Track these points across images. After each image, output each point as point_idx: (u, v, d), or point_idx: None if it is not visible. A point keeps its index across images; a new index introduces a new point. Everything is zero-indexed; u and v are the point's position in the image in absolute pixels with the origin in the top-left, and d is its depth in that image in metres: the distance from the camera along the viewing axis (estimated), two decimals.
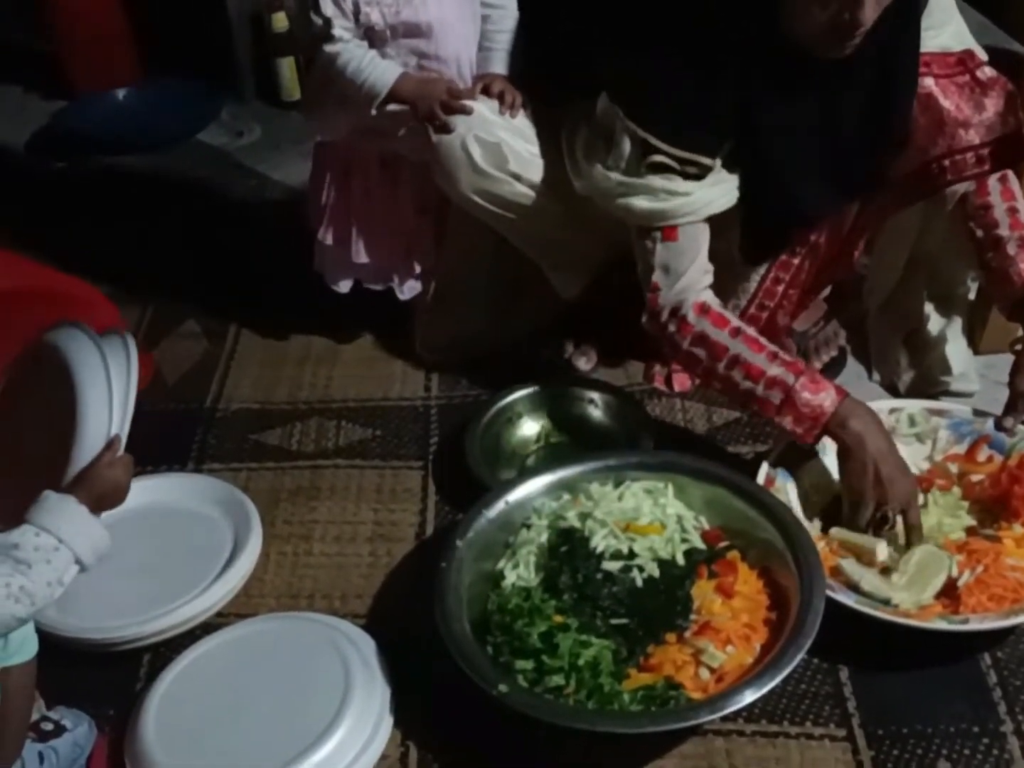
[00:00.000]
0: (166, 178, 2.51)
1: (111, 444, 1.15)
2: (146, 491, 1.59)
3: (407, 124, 1.65)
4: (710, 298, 1.49)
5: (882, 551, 1.37)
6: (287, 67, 2.77)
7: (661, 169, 1.43)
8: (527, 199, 1.61)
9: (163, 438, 1.77)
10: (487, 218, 1.64)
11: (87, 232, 2.31)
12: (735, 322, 1.45)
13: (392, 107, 1.63)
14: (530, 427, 1.69)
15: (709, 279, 1.49)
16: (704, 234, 1.49)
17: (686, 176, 1.44)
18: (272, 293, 2.07)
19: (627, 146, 1.44)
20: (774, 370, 1.41)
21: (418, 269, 1.82)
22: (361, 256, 1.79)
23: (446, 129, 1.59)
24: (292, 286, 2.06)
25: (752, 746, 1.26)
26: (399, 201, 1.77)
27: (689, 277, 1.47)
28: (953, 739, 1.24)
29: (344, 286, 1.87)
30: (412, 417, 1.76)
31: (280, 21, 2.70)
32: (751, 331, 1.45)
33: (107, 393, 1.16)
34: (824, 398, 1.39)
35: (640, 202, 1.47)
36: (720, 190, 1.46)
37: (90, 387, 1.16)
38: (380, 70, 1.61)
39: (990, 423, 1.52)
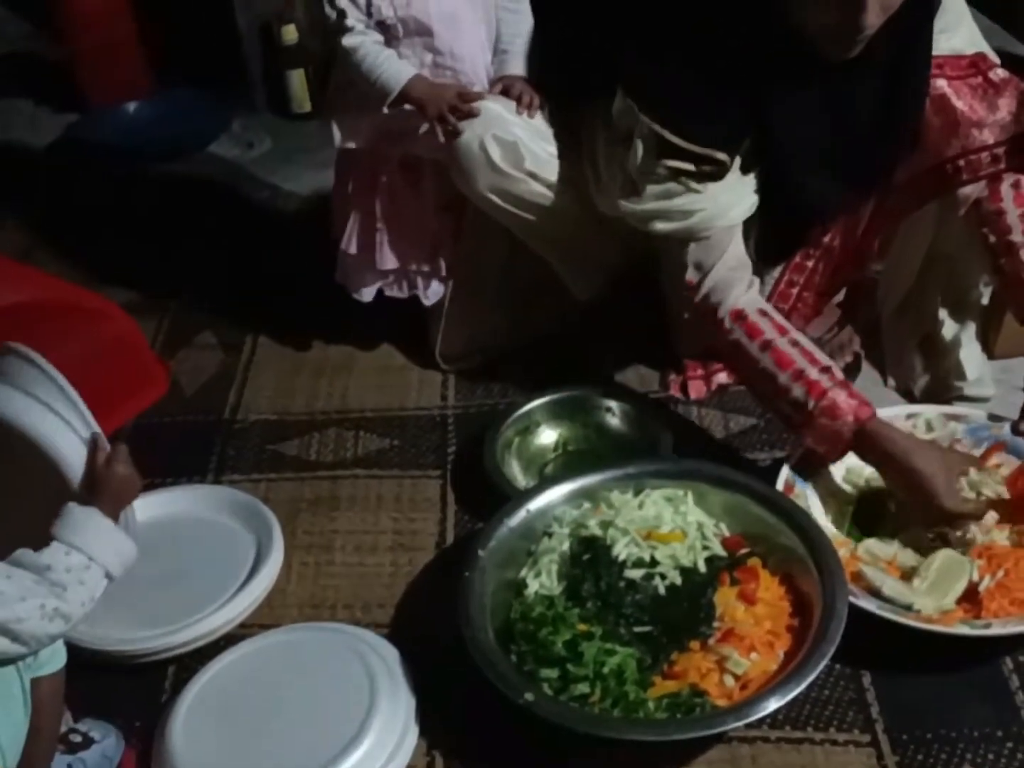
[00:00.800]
0: (179, 189, 2.53)
1: (95, 444, 1.14)
2: (168, 503, 1.60)
3: (421, 124, 1.68)
4: (748, 303, 1.49)
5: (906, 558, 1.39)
6: (297, 79, 2.78)
7: (677, 173, 1.44)
8: (543, 199, 1.63)
9: (182, 450, 1.78)
10: (503, 217, 1.65)
11: (101, 244, 2.33)
12: (769, 333, 1.46)
13: (405, 107, 1.66)
14: (548, 436, 1.70)
15: (746, 275, 1.50)
16: (731, 230, 1.50)
17: (702, 177, 1.44)
18: (287, 303, 2.09)
19: (641, 147, 1.45)
20: (796, 391, 1.42)
21: (443, 271, 1.83)
22: (387, 262, 1.81)
23: (455, 133, 1.61)
24: (307, 296, 2.07)
25: (777, 752, 1.26)
26: (423, 202, 1.78)
27: (719, 272, 1.48)
28: (977, 743, 1.25)
29: (367, 294, 1.88)
30: (430, 426, 1.77)
31: (290, 33, 2.72)
32: (784, 341, 1.45)
33: (47, 409, 1.13)
34: (841, 426, 1.40)
35: (662, 225, 1.49)
36: (737, 195, 1.47)
37: (27, 415, 1.13)
38: (394, 69, 1.65)
39: (1007, 428, 1.52)
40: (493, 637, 1.31)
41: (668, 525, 1.42)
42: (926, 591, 1.35)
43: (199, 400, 1.90)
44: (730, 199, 1.46)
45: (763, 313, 1.48)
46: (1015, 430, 1.51)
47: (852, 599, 1.31)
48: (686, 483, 1.48)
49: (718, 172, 1.45)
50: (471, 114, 1.60)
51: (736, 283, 1.50)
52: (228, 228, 2.37)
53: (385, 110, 1.67)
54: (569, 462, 1.66)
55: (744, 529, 1.44)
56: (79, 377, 1.74)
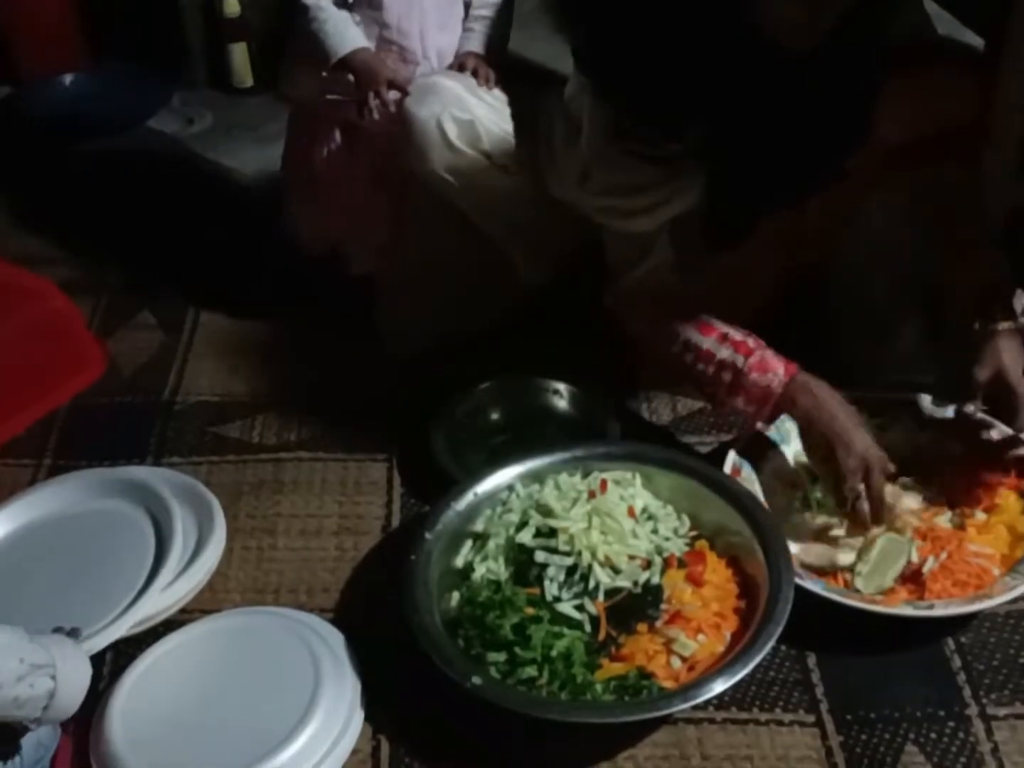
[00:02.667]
0: (117, 165, 2.46)
1: None
2: (104, 485, 1.56)
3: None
4: (666, 284, 1.49)
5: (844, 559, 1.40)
6: (239, 53, 2.72)
7: (627, 154, 1.43)
8: (498, 180, 1.61)
9: (120, 431, 1.73)
10: (456, 197, 1.63)
11: (37, 221, 2.26)
12: (689, 312, 1.46)
13: (340, 74, 1.71)
14: (495, 418, 1.69)
15: (668, 264, 1.50)
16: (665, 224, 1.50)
17: (653, 160, 1.43)
18: (229, 284, 2.04)
19: (592, 129, 1.44)
20: (723, 352, 1.44)
21: (372, 250, 1.82)
22: (323, 224, 1.81)
23: (371, 114, 1.66)
24: (250, 277, 2.04)
25: (723, 733, 1.27)
26: (354, 172, 1.77)
27: (650, 262, 1.48)
28: (920, 723, 1.26)
29: (315, 249, 1.88)
30: (376, 410, 1.74)
31: (232, 6, 2.65)
32: (704, 317, 1.46)
33: None
34: (772, 378, 1.42)
35: (607, 218, 1.50)
36: (684, 185, 1.46)
37: None
38: (342, 36, 1.68)
39: (951, 411, 1.54)
40: (440, 621, 1.30)
41: (616, 507, 1.41)
42: (867, 574, 1.37)
43: (137, 381, 1.85)
44: (677, 188, 1.45)
45: (684, 300, 1.49)
46: (958, 414, 1.53)
47: (798, 580, 1.32)
48: (634, 466, 1.47)
49: (667, 156, 1.44)
50: (384, 104, 1.65)
51: (658, 269, 1.50)
52: (168, 205, 2.32)
53: (324, 74, 1.70)
54: (517, 445, 1.64)
55: (691, 512, 1.44)
56: (14, 357, 1.72)
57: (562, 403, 1.69)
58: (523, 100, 1.67)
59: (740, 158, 1.46)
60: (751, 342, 1.45)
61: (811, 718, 1.28)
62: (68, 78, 2.76)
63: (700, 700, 1.21)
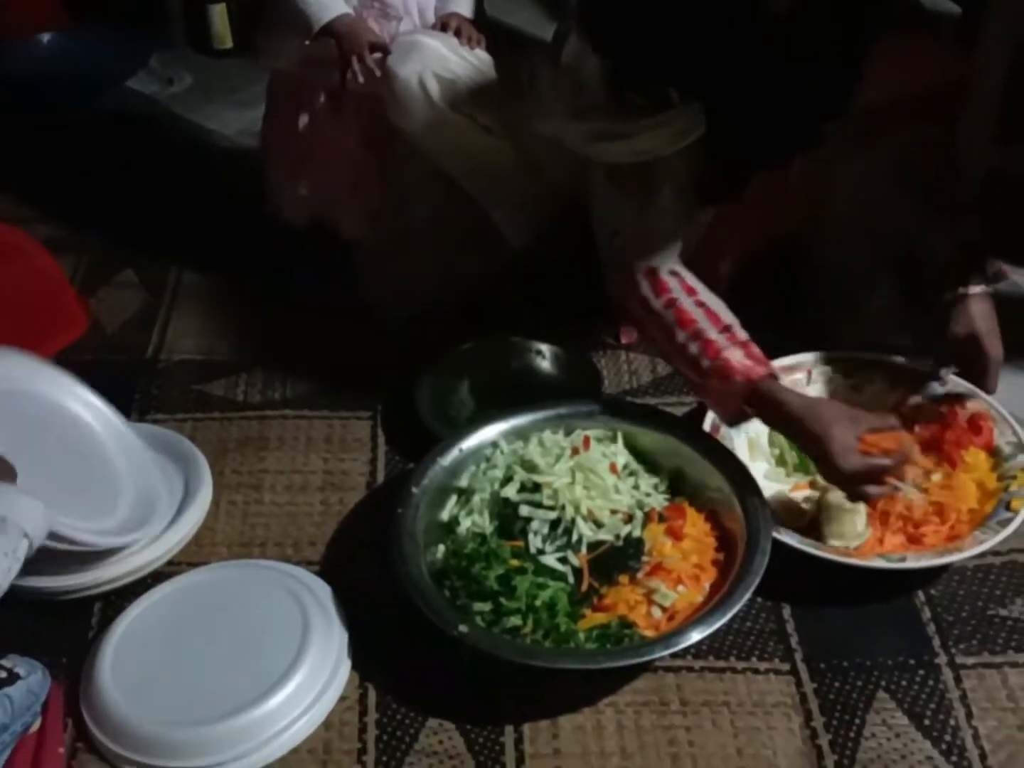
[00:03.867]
0: (96, 125, 2.45)
1: None
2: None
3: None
4: (662, 262, 1.49)
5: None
6: (219, 14, 2.71)
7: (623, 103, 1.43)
8: (480, 140, 1.62)
9: (103, 388, 1.72)
10: (438, 156, 1.64)
11: (17, 179, 2.25)
12: (675, 292, 1.45)
13: (323, 41, 1.71)
14: (479, 378, 1.71)
15: (670, 239, 1.50)
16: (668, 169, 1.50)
17: (650, 110, 1.44)
18: (210, 243, 2.04)
19: (588, 77, 1.44)
20: (692, 348, 1.40)
21: (364, 210, 1.82)
22: (307, 189, 1.81)
23: (356, 77, 1.66)
24: (231, 236, 2.04)
25: (701, 680, 1.30)
26: (345, 133, 1.78)
27: (643, 226, 1.48)
28: (891, 671, 1.30)
29: (297, 219, 1.88)
30: (360, 369, 1.75)
31: None
32: (689, 301, 1.44)
33: None
34: (732, 386, 1.37)
35: (603, 146, 1.47)
36: (677, 131, 1.47)
37: None
38: (322, 3, 1.67)
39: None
40: (426, 573, 1.32)
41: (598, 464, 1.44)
42: (835, 531, 1.40)
43: (120, 339, 1.86)
44: (671, 132, 1.46)
45: (674, 273, 1.47)
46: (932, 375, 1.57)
47: (775, 534, 1.35)
48: (616, 423, 1.50)
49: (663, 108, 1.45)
50: (369, 69, 1.63)
51: (657, 242, 1.49)
52: (149, 165, 2.31)
53: (307, 42, 1.70)
54: (500, 403, 1.66)
55: (672, 468, 1.47)
56: None
57: (545, 363, 1.72)
58: (505, 57, 1.67)
59: (729, 114, 1.48)
60: (722, 341, 1.39)
61: (786, 666, 1.32)
62: (45, 37, 2.73)
63: (679, 648, 1.24)
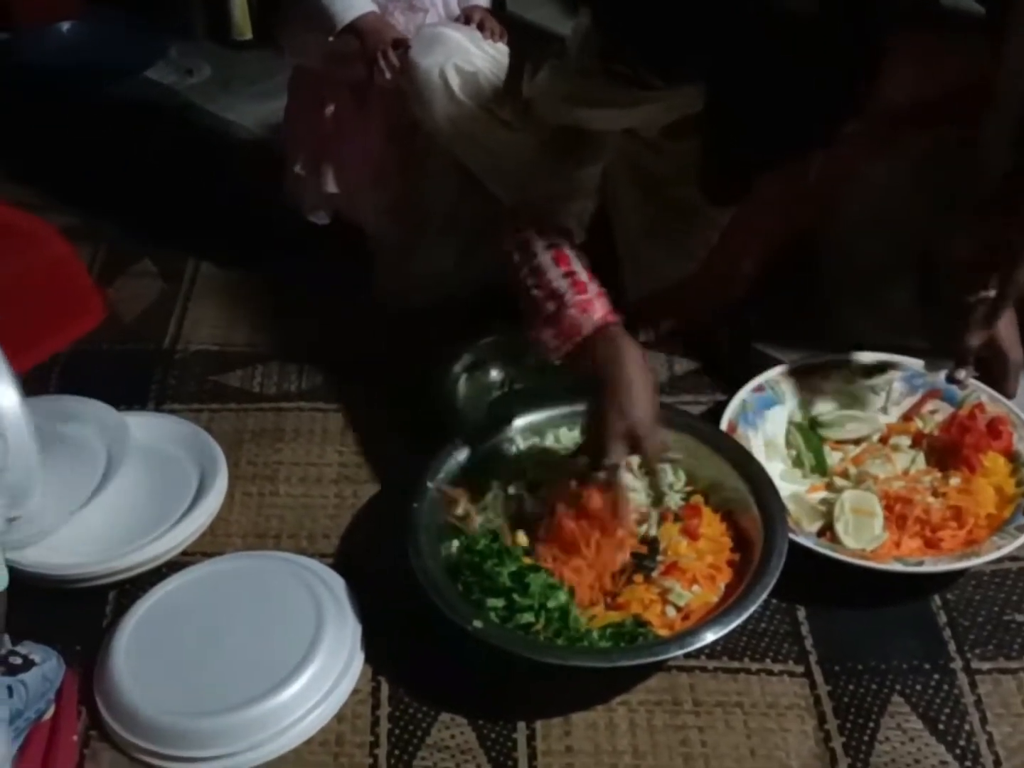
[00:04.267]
0: (115, 113, 2.46)
1: None
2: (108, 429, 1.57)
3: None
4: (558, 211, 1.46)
5: None
6: (239, 5, 2.71)
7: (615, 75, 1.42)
8: (500, 134, 1.61)
9: (120, 378, 1.75)
10: (457, 148, 1.64)
11: (36, 167, 2.26)
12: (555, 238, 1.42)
13: (347, 38, 1.70)
14: (495, 374, 1.70)
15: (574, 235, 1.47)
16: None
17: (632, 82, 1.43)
18: (229, 234, 2.05)
19: (582, 48, 1.42)
20: (559, 283, 1.38)
21: (386, 202, 1.82)
22: (330, 186, 1.81)
23: (382, 74, 1.65)
24: (249, 227, 2.04)
25: (714, 681, 1.30)
26: (369, 128, 1.78)
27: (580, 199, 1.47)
28: (906, 675, 1.30)
29: (321, 217, 1.88)
30: (377, 363, 1.75)
31: None
32: (570, 251, 1.42)
33: None
34: (585, 320, 1.35)
35: (584, 113, 1.44)
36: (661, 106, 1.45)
37: None
38: (350, 1, 1.65)
39: (942, 376, 1.57)
40: (441, 567, 1.32)
41: None
42: (851, 532, 1.40)
43: (138, 328, 1.86)
44: (656, 108, 1.44)
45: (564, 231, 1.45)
46: (950, 378, 1.56)
47: (791, 535, 1.35)
48: None
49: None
50: (392, 65, 1.63)
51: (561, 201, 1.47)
52: (167, 155, 2.32)
53: (331, 39, 1.69)
54: (516, 400, 1.66)
55: (687, 467, 1.46)
56: (13, 300, 1.72)
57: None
58: (522, 51, 1.67)
59: (733, 111, 1.47)
60: (593, 286, 1.39)
61: (800, 668, 1.31)
62: (65, 26, 2.74)
63: (694, 648, 1.24)
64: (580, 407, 1.50)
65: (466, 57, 1.59)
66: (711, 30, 1.37)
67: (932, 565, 1.34)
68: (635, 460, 1.44)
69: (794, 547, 1.34)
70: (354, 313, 1.84)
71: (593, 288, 1.39)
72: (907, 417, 1.57)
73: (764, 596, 1.27)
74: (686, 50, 1.38)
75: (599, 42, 1.41)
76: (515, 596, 1.27)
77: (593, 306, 1.37)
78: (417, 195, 1.77)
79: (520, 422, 1.50)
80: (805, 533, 1.38)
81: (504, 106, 1.60)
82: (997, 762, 1.21)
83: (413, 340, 1.76)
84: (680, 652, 1.24)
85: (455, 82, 1.58)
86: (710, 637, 1.24)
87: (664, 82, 1.41)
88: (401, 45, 1.67)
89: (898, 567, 1.34)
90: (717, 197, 1.60)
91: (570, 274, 1.40)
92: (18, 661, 1.24)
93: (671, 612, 1.30)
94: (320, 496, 1.55)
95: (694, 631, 1.25)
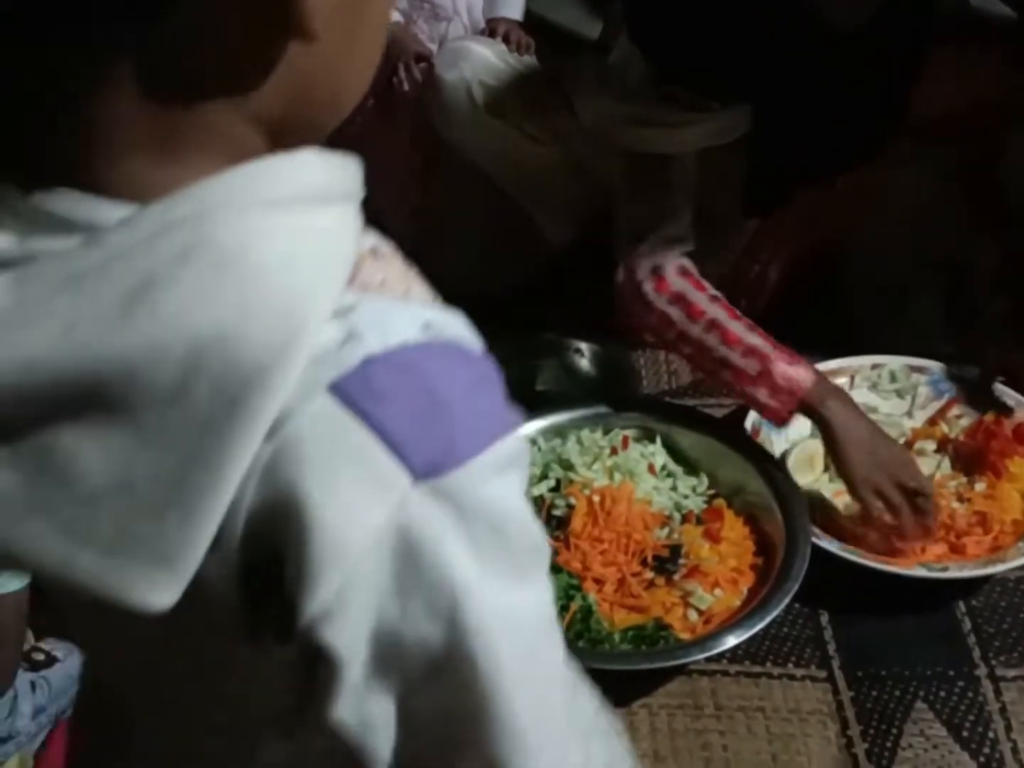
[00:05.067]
0: None
1: None
2: None
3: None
4: (689, 263, 1.46)
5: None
6: None
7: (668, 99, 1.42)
8: (526, 145, 1.61)
9: None
10: (482, 161, 1.64)
11: None
12: (712, 290, 1.43)
13: None
14: (518, 375, 1.69)
15: (690, 244, 1.47)
16: (690, 189, 1.49)
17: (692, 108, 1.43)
18: None
19: (634, 75, 1.43)
20: (752, 339, 1.37)
21: (409, 210, 1.82)
22: None
23: (401, 86, 1.68)
24: None
25: (736, 685, 1.29)
26: (396, 137, 1.78)
27: (673, 232, 1.46)
28: (930, 682, 1.28)
29: None
30: None
31: None
32: (725, 303, 1.42)
33: None
34: (801, 372, 1.36)
35: (635, 131, 1.45)
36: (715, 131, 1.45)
37: None
38: None
39: (969, 381, 1.56)
40: None
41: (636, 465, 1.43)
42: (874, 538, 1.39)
43: None
44: (712, 128, 1.44)
45: (684, 272, 1.43)
46: (976, 383, 1.55)
47: (814, 539, 1.34)
48: (654, 424, 1.49)
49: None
50: (414, 79, 1.62)
51: (681, 244, 1.45)
52: None
53: None
54: (538, 401, 1.65)
55: (710, 470, 1.46)
56: None
57: (583, 362, 1.71)
58: (551, 61, 1.67)
59: (783, 130, 1.46)
60: (768, 349, 1.37)
61: (823, 673, 1.30)
62: None
63: (715, 652, 1.23)
64: (601, 409, 1.50)
65: (492, 72, 1.59)
66: (761, 50, 1.37)
67: (957, 571, 1.32)
68: (659, 461, 1.44)
69: (818, 551, 1.33)
70: None
71: (766, 346, 1.37)
72: (932, 422, 1.56)
73: (787, 601, 1.26)
74: (739, 72, 1.38)
75: (652, 68, 1.41)
76: None
77: (798, 359, 1.36)
78: (438, 200, 1.77)
79: (542, 423, 1.49)
80: (829, 537, 1.37)
81: (531, 120, 1.60)
82: None
83: None
84: (701, 656, 1.24)
85: (480, 97, 1.58)
86: (732, 641, 1.23)
87: (721, 103, 1.41)
88: (423, 60, 1.68)
89: (922, 572, 1.33)
90: (758, 209, 1.60)
91: (753, 327, 1.38)
92: (41, 657, 1.25)
93: (693, 616, 1.29)
94: None
95: (716, 635, 1.24)
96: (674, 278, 1.43)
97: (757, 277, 1.67)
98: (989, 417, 1.53)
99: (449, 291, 1.82)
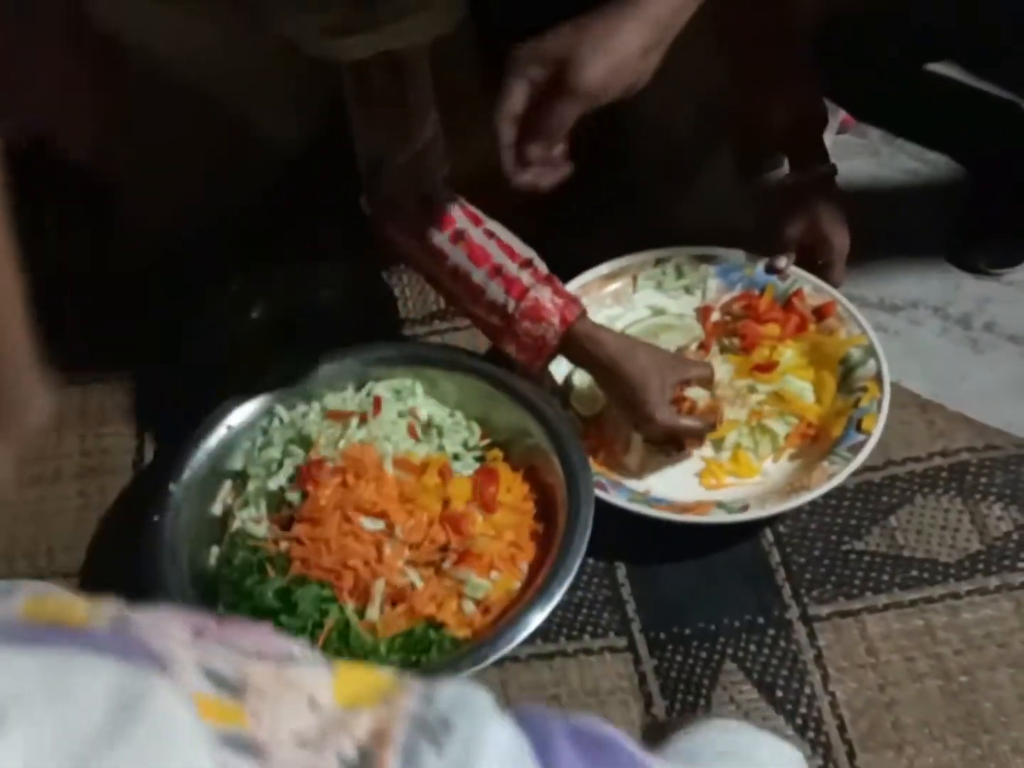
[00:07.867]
0: None
1: None
2: None
3: None
4: (437, 189, 1.23)
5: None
6: None
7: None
8: (203, 29, 1.30)
9: None
10: (165, 60, 1.33)
11: None
12: (460, 222, 1.21)
13: None
14: (257, 315, 1.45)
15: (440, 166, 1.23)
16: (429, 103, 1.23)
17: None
18: None
19: None
20: (492, 290, 1.19)
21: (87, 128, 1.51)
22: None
23: None
24: None
25: (528, 672, 1.14)
26: (40, 31, 1.44)
27: (436, 158, 1.22)
28: (738, 634, 1.15)
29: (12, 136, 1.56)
30: (109, 322, 1.47)
31: None
32: (478, 232, 1.21)
33: None
34: (546, 329, 1.18)
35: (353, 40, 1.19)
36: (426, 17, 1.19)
37: None
38: None
39: (760, 267, 1.39)
40: (191, 590, 1.11)
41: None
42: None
43: None
44: (423, 20, 1.18)
45: (452, 200, 1.22)
46: (770, 269, 1.38)
47: (601, 494, 1.17)
48: (414, 370, 1.28)
49: None
50: None
51: (427, 163, 1.23)
52: None
53: None
54: (283, 351, 1.41)
55: (481, 417, 1.27)
56: None
57: (330, 294, 1.45)
58: None
59: None
60: (526, 277, 1.19)
61: (622, 641, 1.16)
62: None
63: (476, 668, 1.05)
64: (350, 361, 1.29)
65: None
66: None
67: (759, 510, 1.18)
68: (423, 415, 1.25)
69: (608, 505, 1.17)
70: (83, 260, 1.54)
71: (528, 277, 1.18)
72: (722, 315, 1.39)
73: (570, 580, 1.09)
74: None
75: None
76: (283, 618, 1.08)
77: (544, 310, 1.18)
78: (132, 120, 1.45)
79: (279, 387, 1.27)
80: (615, 485, 1.21)
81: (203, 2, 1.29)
82: (842, 728, 1.08)
83: (157, 289, 1.47)
84: (474, 668, 1.06)
85: None
86: (505, 649, 1.06)
87: None
88: None
89: (721, 517, 1.18)
90: (497, 73, 1.35)
91: (499, 270, 1.18)
92: None
93: (469, 607, 1.12)
94: (59, 497, 1.31)
95: (493, 639, 1.07)
96: (416, 219, 1.21)
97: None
98: (783, 303, 1.36)
99: (161, 227, 1.49)
